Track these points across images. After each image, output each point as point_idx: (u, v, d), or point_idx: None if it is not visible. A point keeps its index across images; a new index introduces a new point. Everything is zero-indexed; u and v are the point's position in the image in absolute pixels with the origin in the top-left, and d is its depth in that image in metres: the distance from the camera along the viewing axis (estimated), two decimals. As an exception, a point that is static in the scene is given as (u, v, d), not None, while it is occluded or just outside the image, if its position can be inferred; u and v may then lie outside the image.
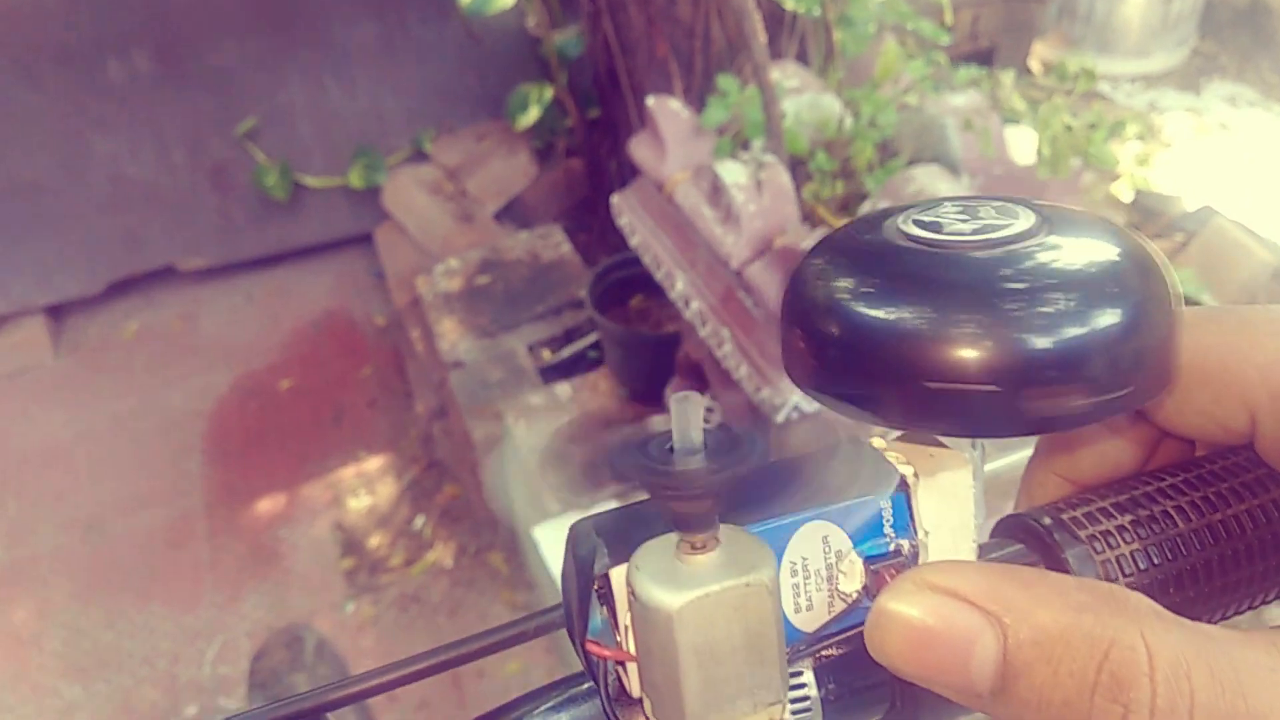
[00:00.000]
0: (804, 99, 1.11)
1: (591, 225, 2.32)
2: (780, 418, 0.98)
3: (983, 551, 0.22)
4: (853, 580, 0.21)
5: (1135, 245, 0.20)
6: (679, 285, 1.13)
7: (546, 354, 1.89)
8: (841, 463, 0.21)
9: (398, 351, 2.43)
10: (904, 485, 0.21)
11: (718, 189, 1.04)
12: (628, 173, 1.91)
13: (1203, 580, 0.22)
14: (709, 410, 1.27)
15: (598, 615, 0.20)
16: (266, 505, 2.09)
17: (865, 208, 1.01)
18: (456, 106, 2.52)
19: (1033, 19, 2.73)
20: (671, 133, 1.13)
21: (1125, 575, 0.22)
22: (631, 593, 0.19)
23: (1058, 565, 0.22)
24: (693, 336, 1.20)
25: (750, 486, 0.21)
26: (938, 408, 0.18)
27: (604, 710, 0.21)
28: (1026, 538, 0.23)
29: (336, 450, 2.20)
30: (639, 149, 1.18)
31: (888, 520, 0.21)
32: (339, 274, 2.70)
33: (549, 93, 2.18)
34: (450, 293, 2.11)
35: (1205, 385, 0.21)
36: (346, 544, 1.98)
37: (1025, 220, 0.20)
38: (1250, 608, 0.23)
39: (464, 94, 2.51)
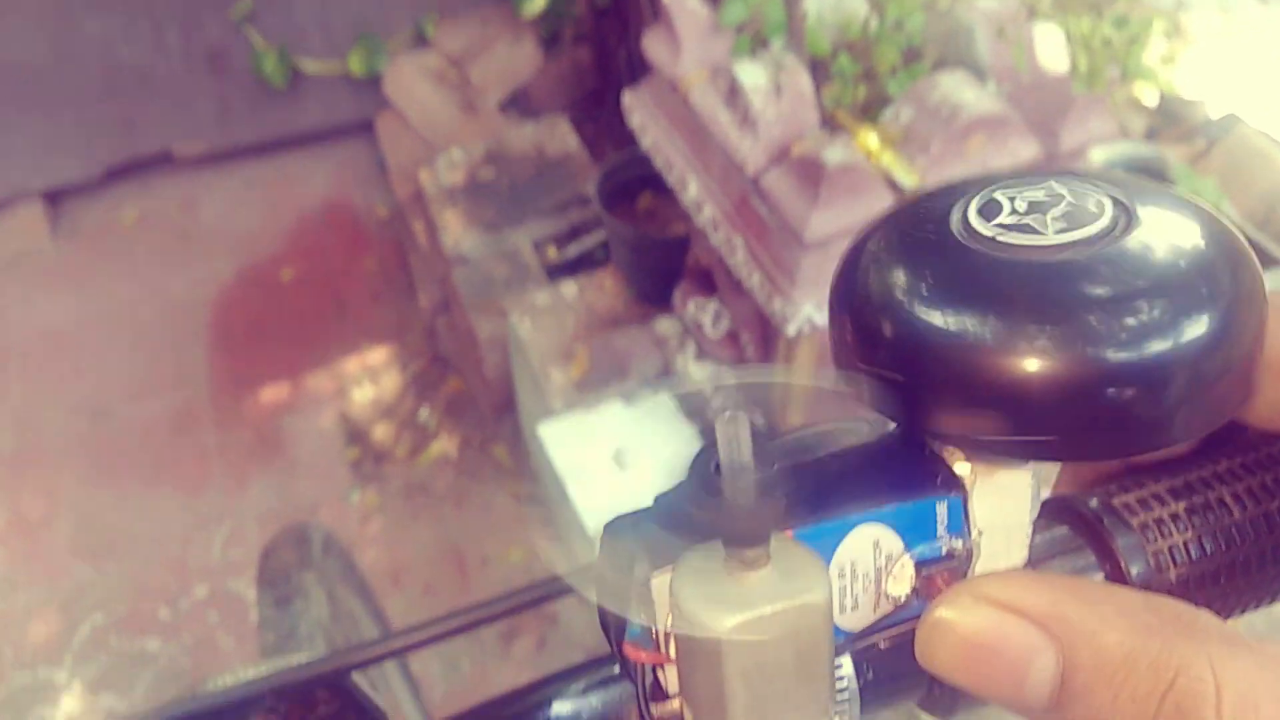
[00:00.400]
0: (827, -3, 1.07)
1: (599, 117, 2.26)
2: (791, 330, 0.97)
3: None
4: (902, 584, 0.20)
5: (1225, 235, 0.18)
6: (691, 190, 1.11)
7: (552, 251, 1.87)
8: (896, 459, 0.20)
9: (400, 244, 2.41)
10: (961, 487, 0.20)
11: (735, 91, 1.01)
12: (637, 64, 1.85)
13: (1255, 570, 0.21)
14: (717, 315, 1.26)
15: (636, 620, 0.19)
16: (271, 394, 2.10)
17: (888, 114, 0.98)
18: (459, -12, 2.43)
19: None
20: (687, 29, 1.08)
21: (1176, 566, 0.21)
22: (675, 605, 0.18)
23: (1107, 554, 0.22)
24: (703, 241, 1.18)
25: (814, 471, 0.20)
26: (1000, 427, 0.18)
27: (640, 710, 0.21)
28: (1074, 522, 0.22)
29: (340, 341, 2.20)
30: (653, 45, 1.14)
31: (942, 521, 0.20)
32: (340, 162, 2.65)
33: (557, -23, 2.09)
34: (453, 186, 2.07)
35: (1276, 378, 0.20)
36: (351, 434, 2.00)
37: (1103, 210, 0.18)
38: None
39: (467, -25, 2.41)
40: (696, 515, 0.17)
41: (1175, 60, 2.18)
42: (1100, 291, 0.17)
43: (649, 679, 0.20)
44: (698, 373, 1.33)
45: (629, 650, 0.19)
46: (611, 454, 1.36)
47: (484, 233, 1.94)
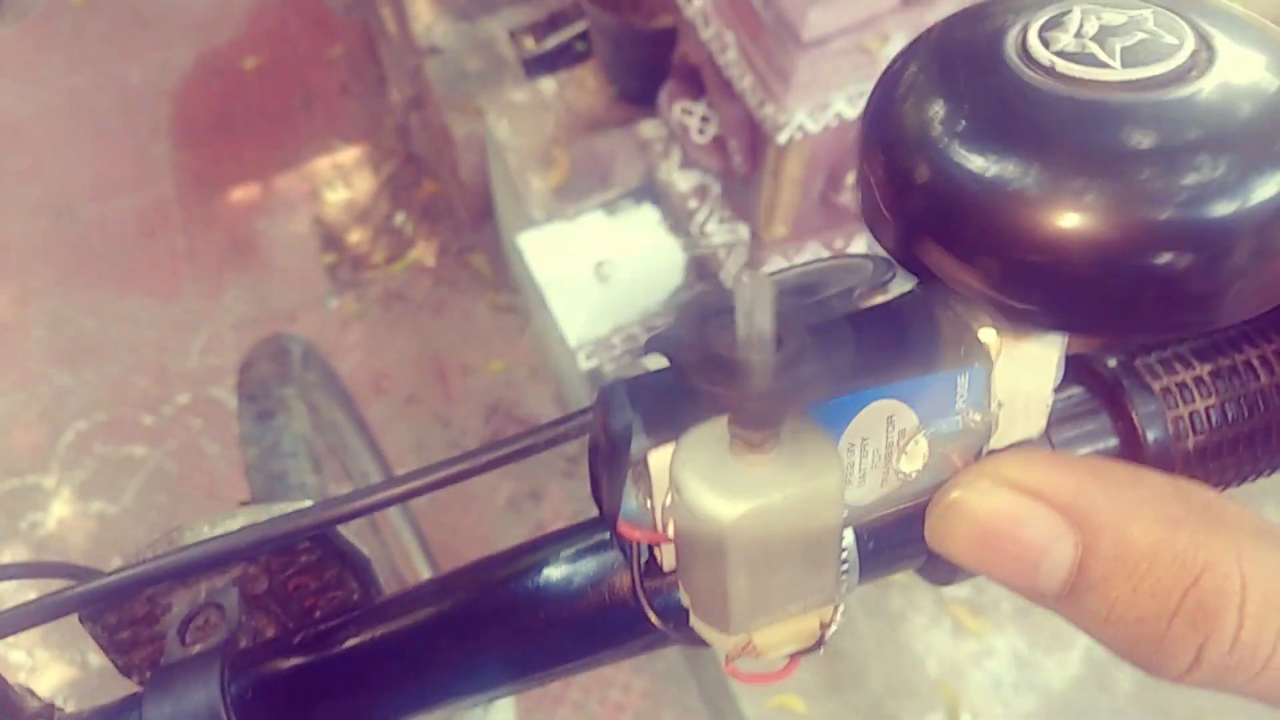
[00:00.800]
0: None
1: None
2: (783, 138, 0.91)
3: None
4: (914, 460, 0.18)
5: None
6: (679, -23, 1.01)
7: (529, 42, 1.76)
8: (917, 322, 0.17)
9: (368, 30, 2.26)
10: (986, 356, 0.17)
11: None
12: None
13: (1276, 438, 0.19)
14: (704, 119, 1.20)
15: (632, 497, 0.17)
16: (241, 194, 2.03)
17: (897, -107, 0.88)
18: None
19: None
20: None
21: (1196, 433, 0.19)
22: (676, 489, 0.16)
23: (1124, 418, 0.19)
24: (691, 36, 1.09)
25: (848, 333, 0.17)
26: (1036, 292, 0.15)
27: (635, 588, 0.18)
28: (1091, 382, 0.20)
29: (309, 138, 2.11)
30: None
31: (961, 395, 0.17)
32: (300, -63, 2.45)
33: None
34: (424, -34, 1.91)
35: None
36: (326, 239, 1.94)
37: (1182, 42, 0.15)
38: None
39: None
40: (705, 389, 0.15)
41: None
42: (1159, 142, 0.14)
43: (644, 557, 0.18)
44: (681, 182, 1.27)
45: (624, 528, 0.18)
46: (593, 266, 1.33)
47: (456, 20, 1.81)
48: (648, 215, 1.37)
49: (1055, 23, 0.15)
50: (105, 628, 0.25)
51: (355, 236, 1.94)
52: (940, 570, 0.21)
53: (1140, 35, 0.15)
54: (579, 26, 1.68)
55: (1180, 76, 0.15)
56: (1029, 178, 0.14)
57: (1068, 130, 0.14)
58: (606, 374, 1.38)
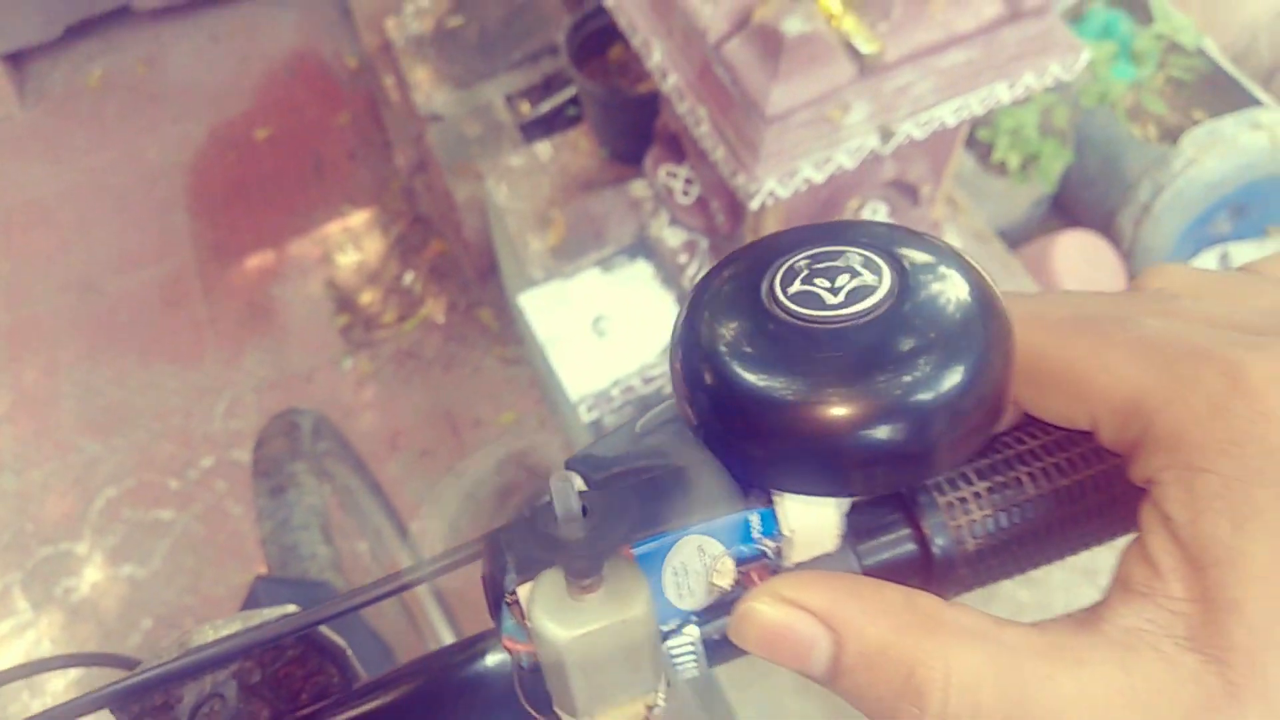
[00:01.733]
0: None
1: (570, -45, 2.16)
2: (754, 205, 0.97)
3: (855, 513, 0.25)
4: (725, 577, 0.23)
5: (981, 291, 0.20)
6: (656, 56, 1.08)
7: (525, 107, 1.84)
8: (715, 476, 0.23)
9: (373, 97, 2.35)
10: (769, 500, 0.22)
11: (693, -49, 0.97)
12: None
13: (1042, 538, 0.24)
14: (688, 181, 1.26)
15: (510, 619, 0.23)
16: (257, 262, 2.11)
17: (849, -26, 0.94)
18: None
19: None
20: (644, -118, 1.03)
21: (975, 538, 0.24)
22: (529, 619, 0.21)
23: (917, 528, 0.24)
24: (669, 107, 1.16)
25: (637, 500, 0.22)
26: (803, 470, 0.20)
27: (516, 683, 0.24)
28: (896, 500, 0.25)
29: (320, 204, 2.19)
30: (609, -100, 1.08)
31: (756, 528, 0.23)
32: (305, 9, 2.55)
33: None
34: (421, 35, 2.00)
35: (1056, 393, 0.22)
36: (339, 301, 2.02)
37: (881, 279, 0.20)
38: (1073, 554, 0.25)
39: None
40: (538, 556, 0.20)
41: None
42: (868, 359, 0.19)
43: (524, 661, 0.24)
44: (671, 238, 1.33)
45: (506, 642, 0.23)
46: (591, 322, 1.39)
47: (455, 89, 1.89)
48: (642, 270, 1.43)
49: (791, 272, 0.21)
50: (129, 716, 0.30)
51: (367, 297, 2.02)
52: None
53: (853, 277, 0.21)
54: (570, 91, 1.76)
55: (883, 306, 0.20)
56: (777, 387, 0.20)
57: (797, 352, 0.20)
58: (608, 425, 1.43)
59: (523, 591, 0.22)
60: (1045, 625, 0.22)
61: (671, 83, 1.07)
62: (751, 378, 0.20)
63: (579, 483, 0.20)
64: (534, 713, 0.23)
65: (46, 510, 1.76)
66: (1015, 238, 1.69)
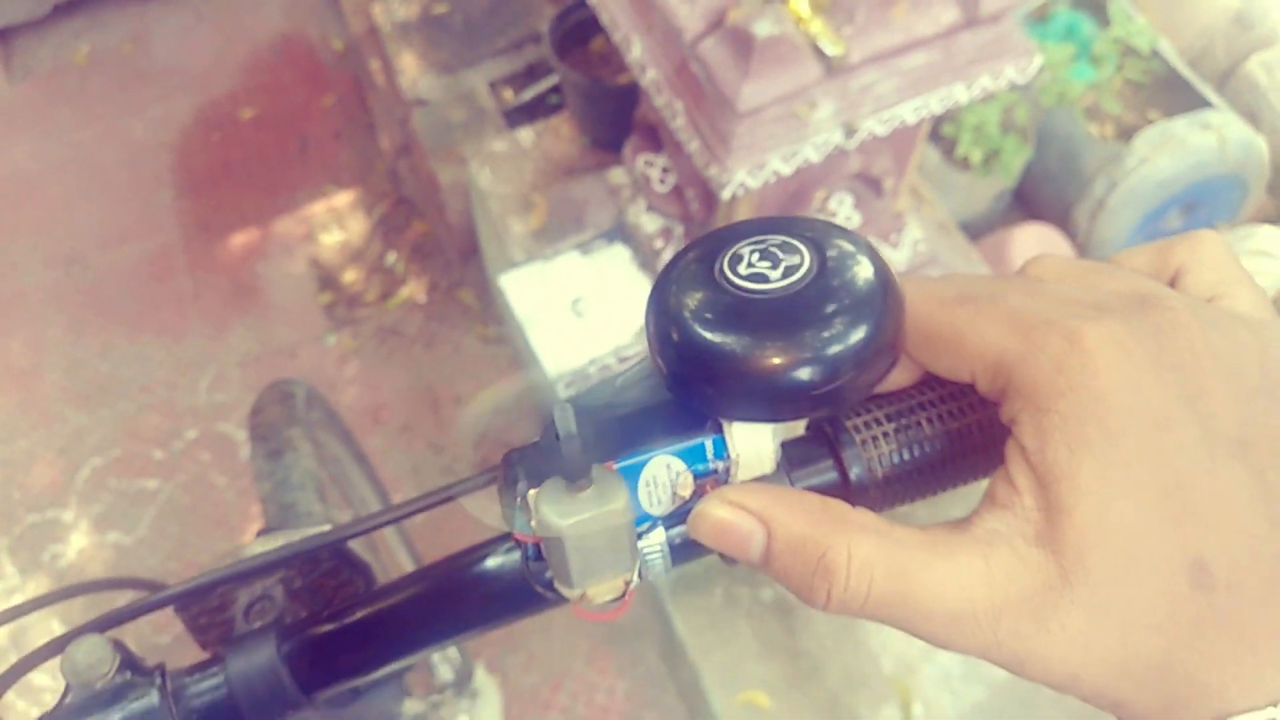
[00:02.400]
0: None
1: (554, -55, 2.21)
2: (726, 194, 1.04)
3: (790, 447, 0.31)
4: (686, 489, 0.29)
5: (879, 269, 0.27)
6: (636, 51, 1.14)
7: (508, 94, 1.89)
8: (680, 413, 0.29)
9: (358, 80, 2.39)
10: (719, 428, 0.29)
11: (673, -47, 1.03)
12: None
13: (937, 469, 0.31)
14: (665, 170, 1.32)
15: (520, 517, 0.29)
16: (242, 239, 2.15)
17: (818, -21, 1.01)
18: None
19: None
20: (627, -115, 1.09)
21: (883, 469, 0.30)
22: (537, 512, 0.27)
23: (838, 460, 0.31)
24: (648, 100, 1.22)
25: (619, 430, 0.29)
26: (757, 407, 0.27)
27: (524, 567, 0.30)
28: (820, 436, 0.32)
29: (305, 183, 2.23)
30: (594, -99, 1.14)
31: (709, 451, 0.29)
32: (290, -9, 2.59)
33: None
34: (407, 21, 2.05)
35: (945, 353, 0.29)
36: (323, 279, 2.06)
37: (803, 261, 0.27)
38: (964, 484, 0.32)
39: None
40: (545, 464, 0.27)
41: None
42: (797, 321, 0.26)
43: (531, 552, 0.30)
44: (648, 224, 1.39)
45: (516, 535, 0.29)
46: (570, 303, 1.45)
47: (441, 74, 1.94)
48: (619, 254, 1.49)
49: (735, 257, 0.27)
50: (190, 615, 0.37)
51: (350, 276, 2.06)
52: (726, 557, 0.33)
53: (783, 260, 0.27)
54: (553, 80, 1.81)
55: (802, 282, 0.26)
56: (727, 341, 0.26)
57: (741, 316, 0.26)
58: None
59: (531, 495, 0.28)
60: (926, 528, 0.28)
61: (650, 77, 1.13)
62: (707, 334, 0.26)
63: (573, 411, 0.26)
64: (539, 589, 0.30)
65: (33, 478, 1.80)
66: (977, 229, 1.76)
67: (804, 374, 0.26)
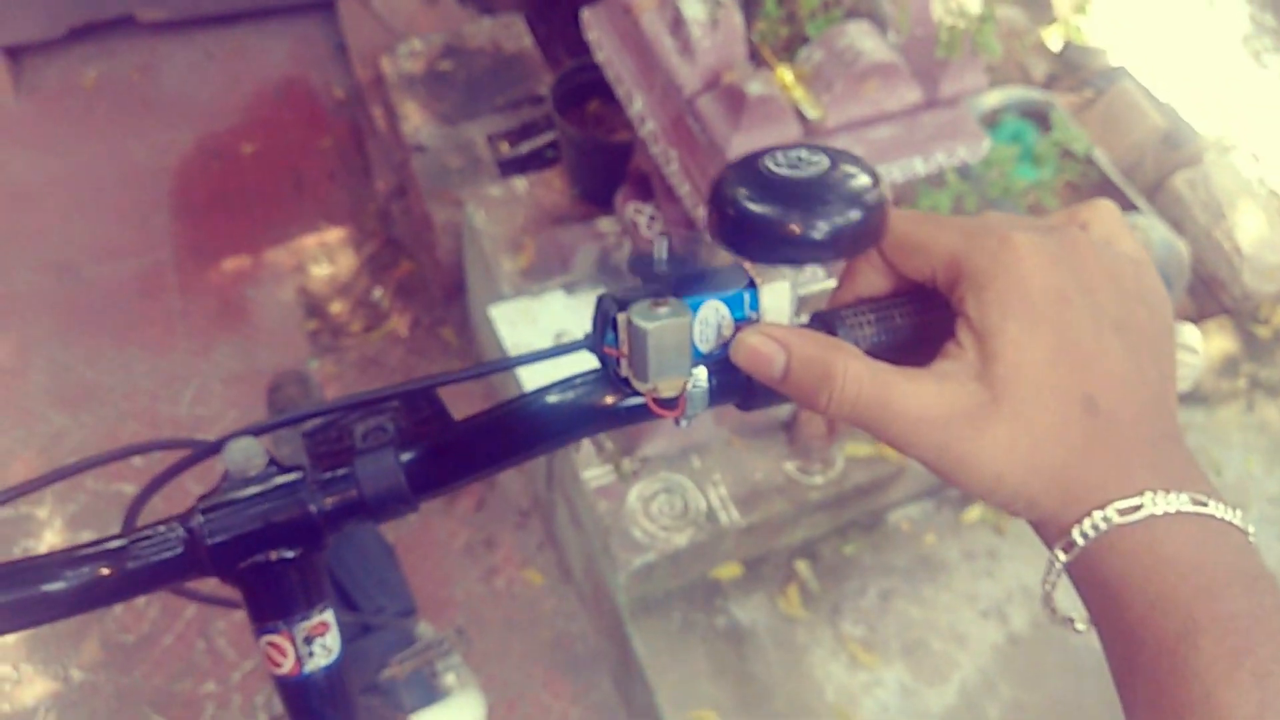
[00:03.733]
0: (764, -55, 1.23)
1: (552, 19, 2.38)
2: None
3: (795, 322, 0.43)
4: (727, 330, 0.41)
5: (873, 174, 0.39)
6: (637, 104, 1.28)
7: (505, 146, 2.03)
8: (730, 272, 0.41)
9: (357, 126, 2.52)
10: (754, 285, 0.41)
11: (679, 21, 1.18)
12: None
13: (905, 351, 0.42)
14: (652, 218, 1.46)
15: (610, 335, 0.40)
16: (233, 265, 2.24)
17: (803, 54, 1.16)
18: (425, -121, 2.49)
19: None
20: (642, -38, 1.24)
21: (863, 345, 0.42)
22: (629, 322, 0.38)
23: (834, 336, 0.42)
24: (644, 150, 1.36)
25: (689, 278, 0.40)
26: (782, 252, 0.38)
27: (611, 378, 0.41)
28: (820, 323, 0.43)
29: (298, 218, 2.34)
30: (611, -27, 1.29)
31: (746, 303, 0.41)
32: (299, 40, 2.73)
33: (523, -119, 2.19)
34: (414, 74, 2.19)
35: (912, 254, 0.41)
36: (309, 307, 2.16)
37: (822, 162, 0.39)
38: (927, 362, 0.44)
39: None
40: (643, 286, 0.38)
41: (1086, 8, 2.38)
42: (817, 198, 0.38)
43: (613, 366, 0.41)
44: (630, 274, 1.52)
45: (608, 350, 0.40)
46: (553, 336, 1.56)
47: (441, 124, 2.08)
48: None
49: (774, 159, 0.40)
50: (314, 442, 0.47)
51: (336, 307, 2.16)
52: (747, 403, 0.44)
53: (809, 160, 0.39)
54: (549, 136, 1.96)
55: (824, 173, 0.38)
56: (773, 209, 0.38)
57: (783, 191, 0.38)
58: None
59: (621, 317, 0.39)
60: (899, 367, 0.40)
61: (649, 128, 1.27)
62: (751, 205, 0.38)
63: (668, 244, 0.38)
64: (624, 387, 0.41)
65: (10, 474, 1.84)
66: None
67: (816, 233, 0.38)
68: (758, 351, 0.39)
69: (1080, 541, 0.36)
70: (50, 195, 2.34)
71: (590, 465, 1.47)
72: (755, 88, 1.10)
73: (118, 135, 2.48)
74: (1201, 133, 2.01)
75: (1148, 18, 2.60)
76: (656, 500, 1.45)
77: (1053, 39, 2.22)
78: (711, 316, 0.40)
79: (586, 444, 1.49)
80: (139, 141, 2.47)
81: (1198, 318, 1.97)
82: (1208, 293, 1.93)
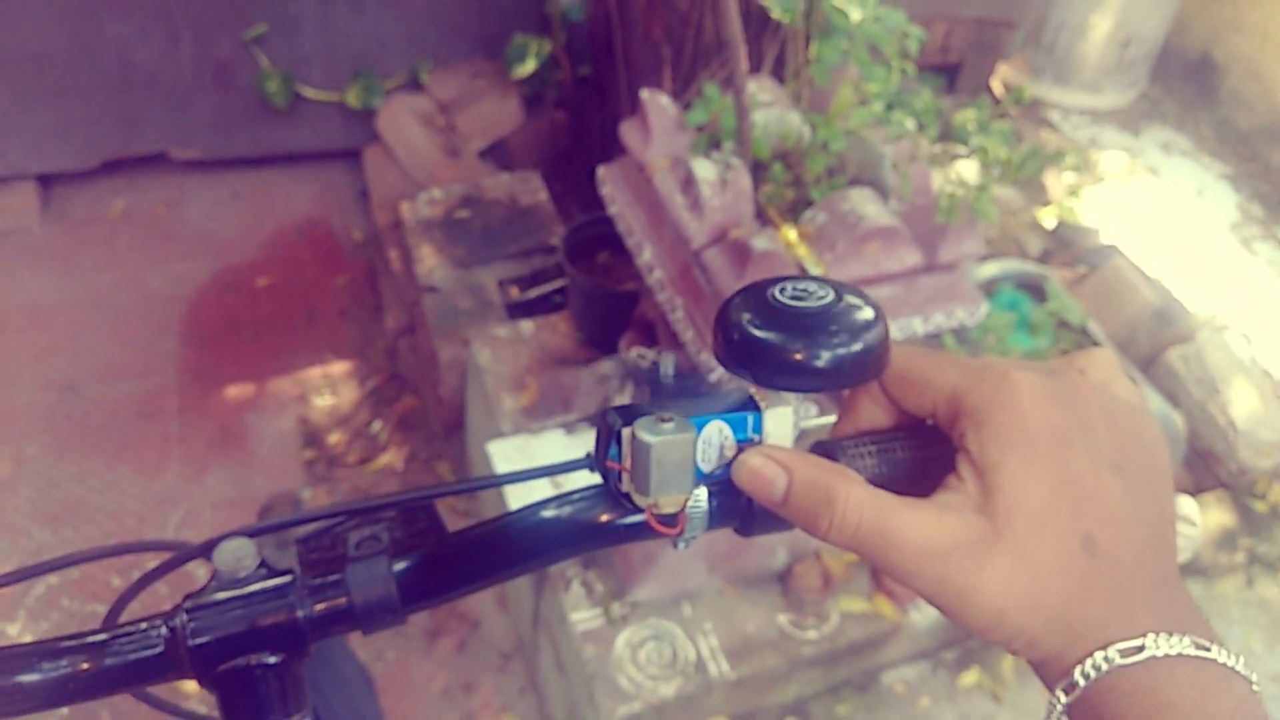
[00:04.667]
0: (772, 113, 1.30)
1: (568, 177, 2.49)
2: (714, 377, 1.19)
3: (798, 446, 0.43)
4: (729, 451, 0.41)
5: (876, 309, 0.40)
6: (646, 254, 1.33)
7: (514, 291, 2.08)
8: (735, 396, 0.42)
9: (371, 267, 2.59)
10: (758, 409, 0.41)
11: (690, 180, 1.24)
12: (609, 135, 2.08)
13: (906, 480, 0.43)
14: (654, 362, 1.48)
15: (614, 449, 0.40)
16: (236, 391, 2.26)
17: (807, 215, 1.21)
18: (456, 42, 2.66)
19: (1000, 42, 2.94)
20: (658, 123, 1.31)
21: (866, 478, 0.43)
22: (633, 436, 0.39)
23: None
24: (650, 299, 1.40)
25: (693, 398, 0.41)
26: (784, 378, 0.39)
27: (612, 494, 0.41)
28: (822, 451, 0.44)
29: (306, 350, 2.37)
30: (628, 133, 1.36)
31: (750, 426, 0.41)
32: (324, 184, 2.84)
33: (547, 48, 2.33)
34: (431, 220, 2.27)
35: (914, 389, 0.42)
36: (308, 437, 2.16)
37: (828, 295, 0.40)
38: (927, 495, 0.44)
39: (464, 32, 2.64)
40: (648, 404, 0.39)
41: (1080, 192, 2.49)
42: (822, 328, 0.39)
43: (615, 480, 0.41)
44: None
45: (609, 464, 0.40)
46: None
47: (455, 267, 2.14)
48: (600, 439, 1.62)
49: (780, 289, 0.41)
50: (307, 549, 0.46)
51: (335, 438, 2.16)
52: (747, 528, 0.44)
53: (814, 291, 0.41)
54: (558, 283, 2.01)
55: (825, 305, 0.40)
56: (778, 335, 0.39)
57: (788, 319, 0.39)
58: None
59: (625, 431, 0.40)
60: (901, 496, 0.40)
61: (656, 276, 1.31)
62: (757, 331, 0.40)
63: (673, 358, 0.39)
64: (624, 502, 0.41)
65: (-16, 589, 1.80)
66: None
67: (820, 362, 0.39)
68: (759, 473, 0.39)
69: (1082, 682, 0.36)
70: (63, 316, 2.38)
71: (579, 607, 1.44)
72: (761, 243, 1.14)
73: (136, 263, 2.54)
74: (1193, 311, 2.07)
75: (1138, 203, 2.72)
76: (645, 647, 1.41)
77: (1047, 218, 2.31)
78: (715, 436, 0.41)
79: (576, 584, 1.46)
80: (156, 270, 2.53)
81: (1195, 491, 1.97)
82: (1204, 466, 1.93)
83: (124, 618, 0.53)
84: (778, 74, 1.84)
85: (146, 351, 2.32)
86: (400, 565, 0.44)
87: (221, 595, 0.43)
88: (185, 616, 0.43)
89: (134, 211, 2.69)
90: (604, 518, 0.43)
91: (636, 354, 1.51)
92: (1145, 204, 2.68)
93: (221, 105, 2.64)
